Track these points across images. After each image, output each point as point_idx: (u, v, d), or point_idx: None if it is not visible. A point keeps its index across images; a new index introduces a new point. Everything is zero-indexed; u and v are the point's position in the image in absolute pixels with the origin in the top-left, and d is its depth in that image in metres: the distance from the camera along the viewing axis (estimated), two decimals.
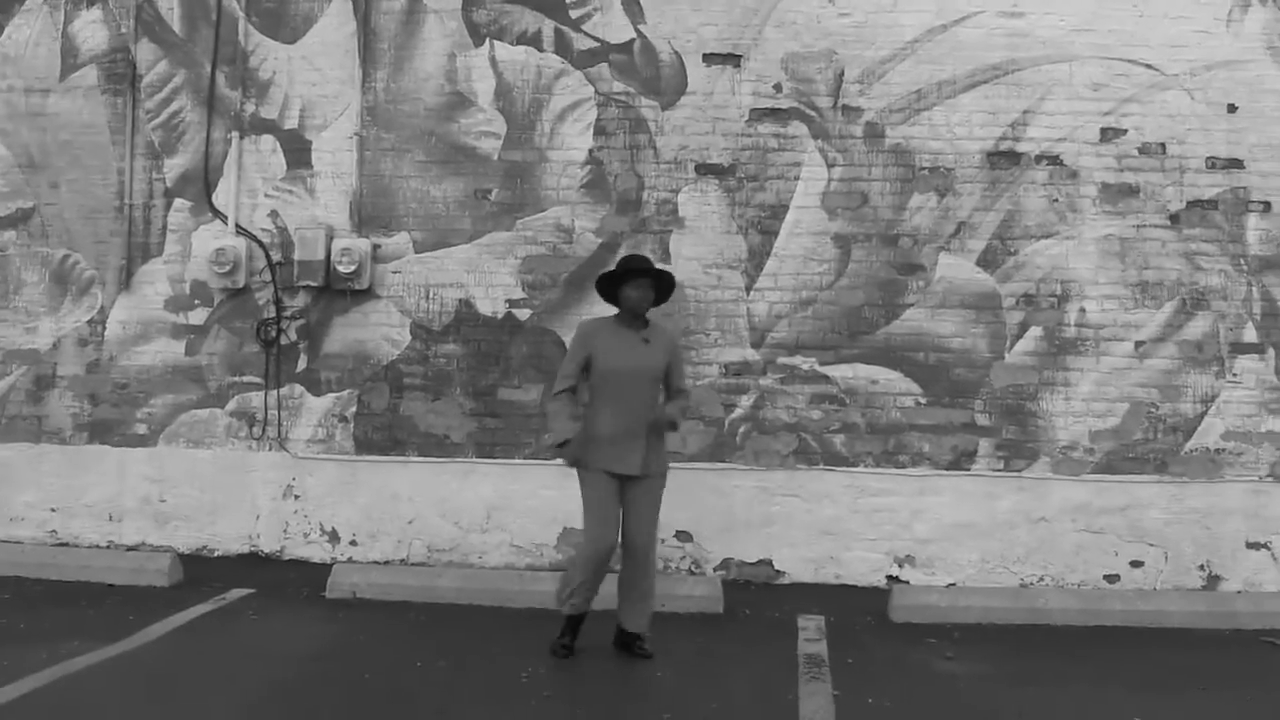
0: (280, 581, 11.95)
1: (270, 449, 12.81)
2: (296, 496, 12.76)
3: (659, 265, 10.67)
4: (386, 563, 12.53)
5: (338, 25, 12.80)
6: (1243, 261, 12.03)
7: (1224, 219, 12.04)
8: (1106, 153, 12.11)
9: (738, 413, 12.33)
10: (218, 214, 12.87)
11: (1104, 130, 12.11)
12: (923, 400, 12.19)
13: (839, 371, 12.23)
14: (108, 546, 12.90)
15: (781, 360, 12.29)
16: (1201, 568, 11.91)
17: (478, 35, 12.64)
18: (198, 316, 12.93)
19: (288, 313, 12.78)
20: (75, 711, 8.28)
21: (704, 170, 12.39)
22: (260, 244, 12.81)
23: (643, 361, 9.64)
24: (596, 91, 12.52)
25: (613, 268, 10.00)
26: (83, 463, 13.04)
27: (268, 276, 12.79)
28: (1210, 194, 12.06)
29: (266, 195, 12.87)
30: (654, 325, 9.87)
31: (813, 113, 12.32)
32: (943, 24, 12.23)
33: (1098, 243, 12.09)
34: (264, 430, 12.81)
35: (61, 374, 13.12)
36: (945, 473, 12.14)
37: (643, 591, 9.78)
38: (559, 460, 9.93)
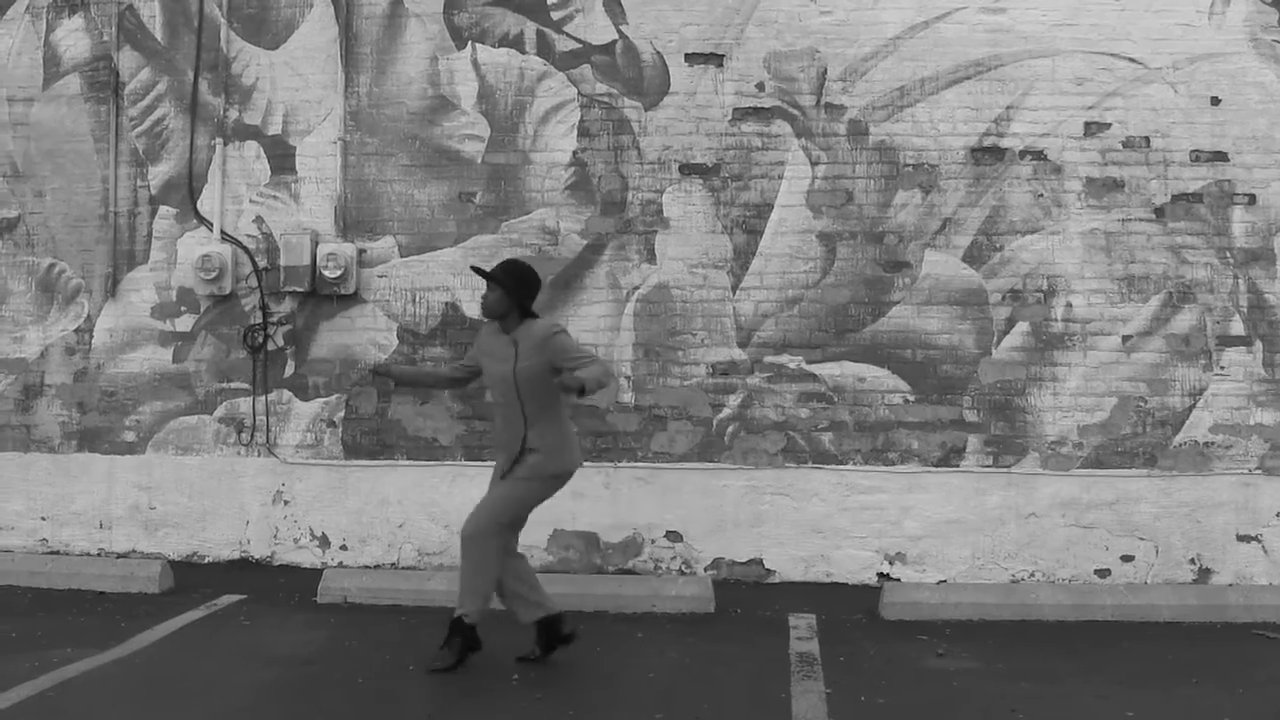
0: (271, 587, 11.93)
1: (259, 455, 12.81)
2: (286, 502, 12.76)
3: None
4: (377, 567, 12.53)
5: (319, 30, 12.79)
6: (1228, 254, 12.02)
7: (1209, 212, 12.04)
8: (1090, 147, 12.11)
9: (725, 412, 12.32)
10: (203, 221, 12.86)
11: (1088, 125, 12.11)
12: (910, 397, 12.18)
13: (826, 370, 12.23)
14: (98, 554, 12.90)
15: (768, 359, 12.29)
16: (1192, 561, 11.92)
17: (459, 38, 12.63)
18: (184, 323, 12.93)
19: (274, 318, 12.76)
20: (67, 719, 8.27)
21: (688, 170, 12.38)
22: (246, 250, 12.80)
23: (507, 366, 9.25)
24: (579, 93, 12.51)
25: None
26: (72, 471, 13.03)
27: (254, 282, 12.79)
28: (1195, 187, 12.05)
29: (251, 201, 12.86)
30: (527, 324, 9.34)
31: (796, 111, 12.32)
32: (924, 20, 12.22)
33: (1083, 237, 12.09)
34: (252, 436, 12.81)
35: (49, 383, 13.10)
36: (934, 470, 12.13)
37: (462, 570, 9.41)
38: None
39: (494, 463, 9.86)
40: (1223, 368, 12.01)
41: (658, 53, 12.46)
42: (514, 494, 9.39)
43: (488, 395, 9.83)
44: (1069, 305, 12.09)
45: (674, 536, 12.23)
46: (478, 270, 9.60)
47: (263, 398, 12.79)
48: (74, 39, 13.14)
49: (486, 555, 9.25)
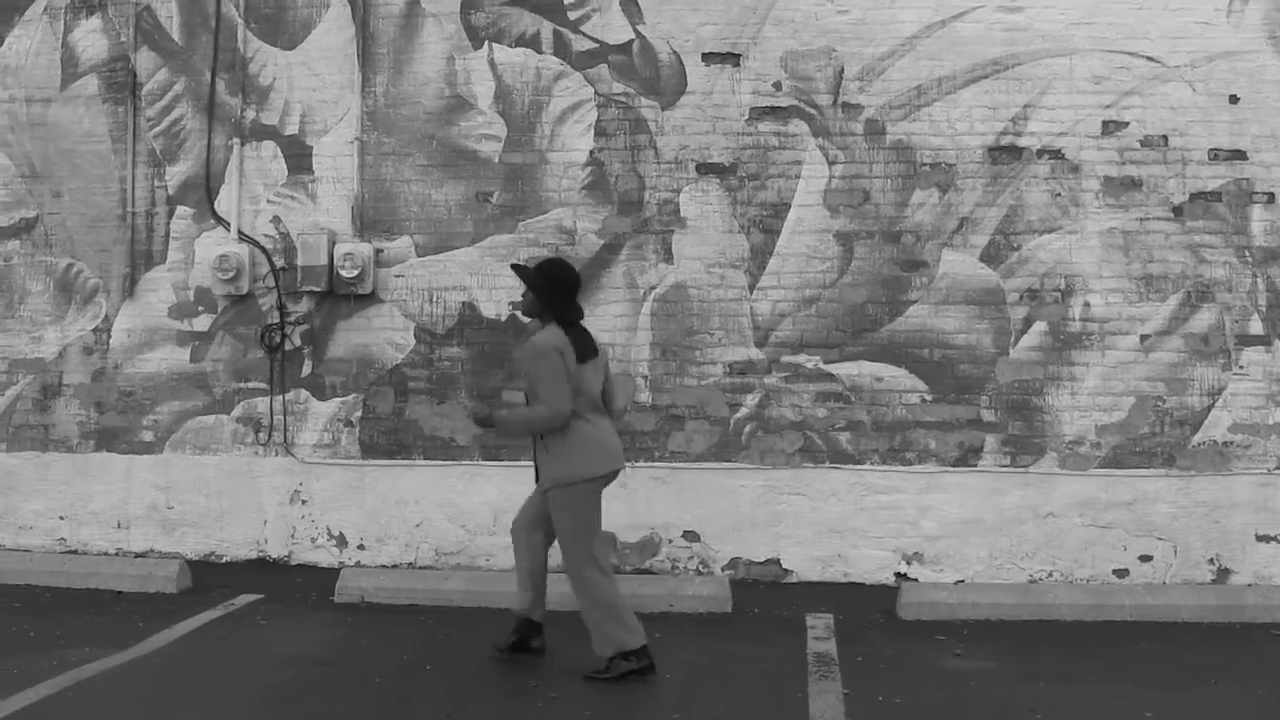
0: (288, 586, 11.97)
1: (276, 454, 12.83)
2: (303, 501, 12.77)
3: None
4: (394, 566, 12.54)
5: (336, 30, 12.80)
6: (1247, 253, 11.98)
7: (1228, 211, 11.99)
8: (1108, 146, 12.07)
9: (743, 412, 12.31)
10: (220, 221, 12.89)
11: (1105, 123, 12.07)
12: (928, 397, 12.16)
13: (844, 369, 12.21)
14: (116, 554, 12.93)
15: (786, 359, 12.27)
16: (1211, 561, 11.88)
17: (476, 38, 12.64)
18: (202, 323, 12.95)
19: (291, 318, 12.78)
20: (85, 718, 8.31)
21: (705, 170, 12.37)
22: (263, 250, 12.82)
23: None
24: (596, 93, 12.51)
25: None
26: (90, 471, 13.07)
27: (271, 282, 12.81)
28: (1213, 186, 12.01)
29: (268, 201, 12.89)
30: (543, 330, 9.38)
31: (813, 110, 12.30)
32: (941, 19, 12.18)
33: (1101, 236, 12.05)
34: (270, 436, 12.82)
35: (67, 382, 13.14)
36: (952, 469, 12.11)
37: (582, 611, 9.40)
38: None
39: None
40: (1241, 367, 11.96)
41: (674, 52, 12.45)
42: (563, 533, 9.34)
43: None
44: (1087, 305, 12.05)
45: (691, 536, 12.23)
46: (516, 269, 9.62)
47: (280, 397, 12.81)
48: (91, 40, 13.17)
49: (591, 587, 9.21)
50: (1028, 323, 12.09)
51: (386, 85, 12.78)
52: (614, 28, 12.52)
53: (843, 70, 12.28)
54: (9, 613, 11.02)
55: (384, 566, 12.53)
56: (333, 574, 11.95)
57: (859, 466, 12.19)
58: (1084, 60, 12.10)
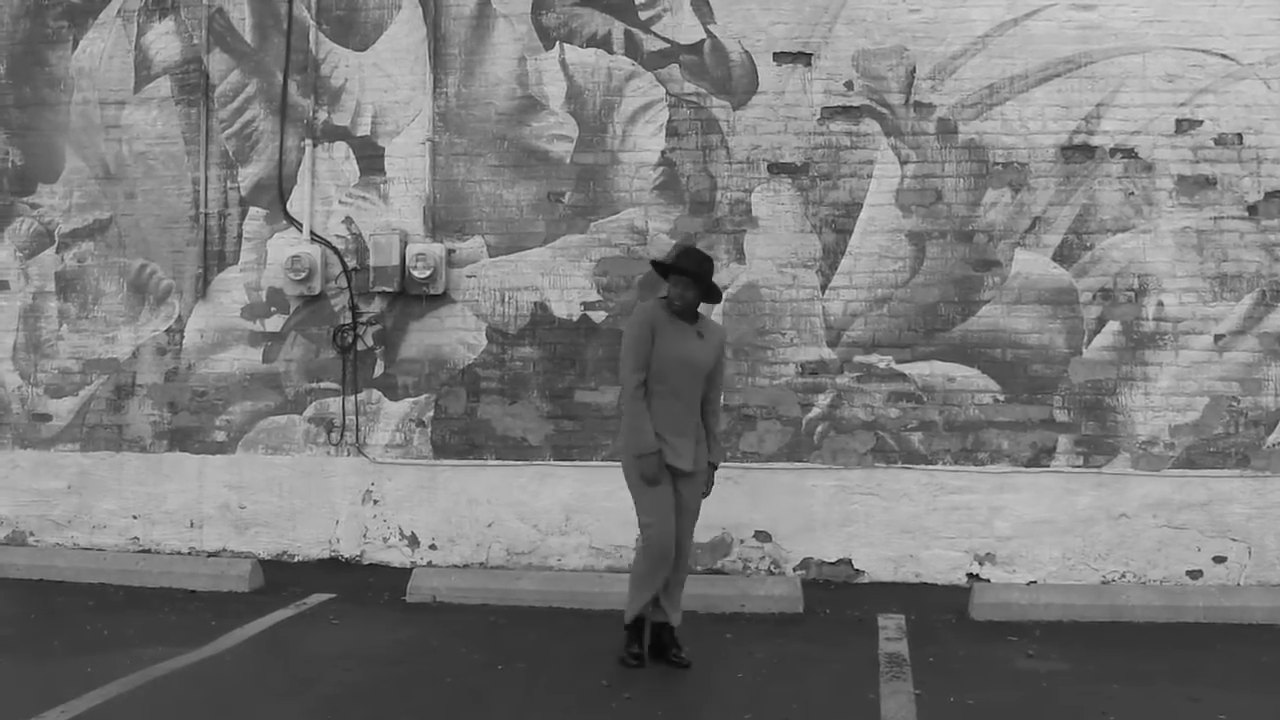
0: (360, 586, 12.03)
1: (348, 454, 12.89)
2: (375, 501, 12.82)
3: (716, 274, 9.89)
4: (466, 566, 12.58)
5: (408, 31, 12.85)
6: None
7: None
8: (1182, 144, 11.98)
9: (815, 412, 12.29)
10: (292, 221, 12.96)
11: (1179, 122, 11.98)
12: (1000, 397, 12.10)
13: (916, 369, 12.18)
14: (189, 553, 13.03)
15: (858, 359, 12.24)
16: None
17: (547, 38, 12.67)
18: (274, 324, 13.04)
19: (364, 318, 12.85)
20: (159, 716, 8.39)
21: (777, 169, 12.36)
22: (335, 250, 12.89)
23: (697, 355, 9.33)
24: (667, 93, 12.51)
25: (669, 258, 9.64)
26: (163, 470, 13.18)
27: (343, 283, 12.89)
28: None
29: (340, 202, 12.95)
30: (705, 320, 9.58)
31: (885, 110, 12.26)
32: (1013, 18, 12.12)
33: (1175, 235, 11.97)
34: (342, 436, 12.88)
35: (141, 383, 13.25)
36: (1024, 470, 12.05)
37: (680, 581, 9.62)
38: (641, 472, 9.42)
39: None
40: None
41: (746, 52, 12.44)
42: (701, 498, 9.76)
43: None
44: (1160, 304, 11.97)
45: (763, 536, 12.22)
46: (684, 270, 9.38)
47: (352, 397, 12.87)
48: (164, 42, 13.28)
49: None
50: (1101, 322, 12.02)
51: (458, 86, 12.82)
52: (685, 28, 12.52)
53: (914, 69, 12.24)
54: (83, 611, 11.14)
55: (455, 566, 12.57)
56: (404, 574, 12.00)
57: (931, 467, 12.15)
58: (1157, 58, 12.01)
